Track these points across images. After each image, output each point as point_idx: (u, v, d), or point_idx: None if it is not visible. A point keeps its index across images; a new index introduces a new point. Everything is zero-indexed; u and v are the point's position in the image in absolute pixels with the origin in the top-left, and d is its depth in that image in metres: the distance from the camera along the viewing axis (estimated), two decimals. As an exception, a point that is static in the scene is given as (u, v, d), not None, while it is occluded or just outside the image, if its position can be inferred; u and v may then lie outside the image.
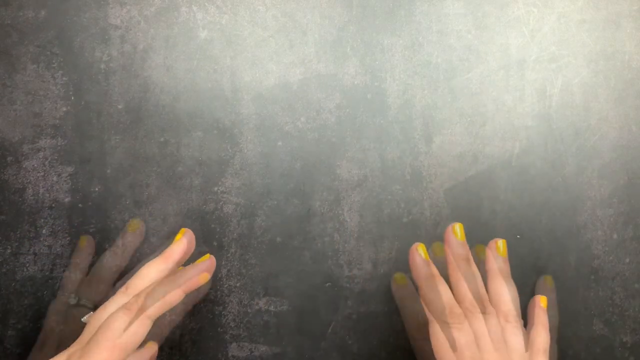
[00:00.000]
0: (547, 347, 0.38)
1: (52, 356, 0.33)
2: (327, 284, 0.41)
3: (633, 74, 0.43)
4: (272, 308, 0.41)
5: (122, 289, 0.35)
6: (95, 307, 0.37)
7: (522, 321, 0.38)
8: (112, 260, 0.39)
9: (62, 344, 0.35)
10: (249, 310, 0.41)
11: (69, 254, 0.40)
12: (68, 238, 0.40)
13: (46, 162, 0.40)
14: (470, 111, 0.42)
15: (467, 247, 0.39)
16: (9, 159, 0.40)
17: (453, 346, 0.36)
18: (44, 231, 0.40)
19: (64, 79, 0.41)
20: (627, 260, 0.42)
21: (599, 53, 0.43)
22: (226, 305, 0.41)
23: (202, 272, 0.36)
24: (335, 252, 0.41)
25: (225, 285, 0.41)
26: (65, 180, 0.40)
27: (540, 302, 0.39)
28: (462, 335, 0.36)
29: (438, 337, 0.36)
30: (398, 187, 0.41)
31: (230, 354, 0.40)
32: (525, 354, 0.36)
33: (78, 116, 0.41)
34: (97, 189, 0.40)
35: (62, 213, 0.40)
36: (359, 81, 0.42)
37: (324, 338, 0.41)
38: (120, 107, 0.41)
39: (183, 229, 0.39)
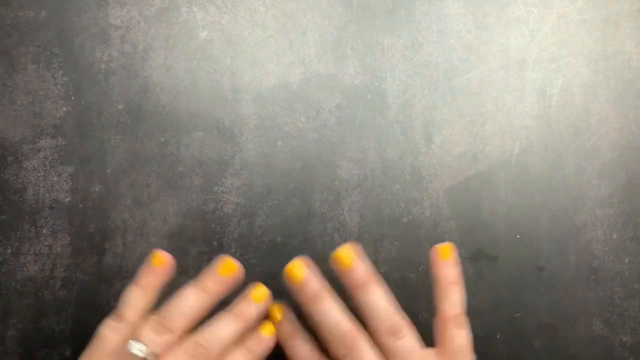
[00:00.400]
0: (459, 312, 0.34)
1: None
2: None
3: (633, 74, 0.43)
4: (272, 308, 0.41)
5: (194, 347, 0.31)
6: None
7: (403, 329, 0.33)
8: (196, 305, 0.32)
9: None
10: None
11: (69, 254, 0.40)
12: (68, 238, 0.40)
13: (46, 162, 0.41)
14: (470, 111, 0.42)
15: (317, 286, 0.34)
16: (9, 159, 0.40)
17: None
18: (44, 231, 0.40)
19: (64, 79, 0.41)
20: (627, 260, 0.42)
21: (599, 53, 0.43)
22: (226, 305, 0.41)
23: (270, 341, 0.34)
24: (335, 252, 0.41)
25: (225, 285, 0.41)
26: (65, 180, 0.40)
27: (439, 255, 0.34)
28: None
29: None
30: (398, 187, 0.41)
31: (230, 354, 0.40)
32: (420, 352, 0.33)
33: (78, 116, 0.41)
34: (97, 189, 0.40)
35: (62, 213, 0.40)
36: (359, 81, 0.42)
37: (324, 338, 0.41)
38: (120, 107, 0.41)
39: (261, 288, 0.34)
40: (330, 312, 0.32)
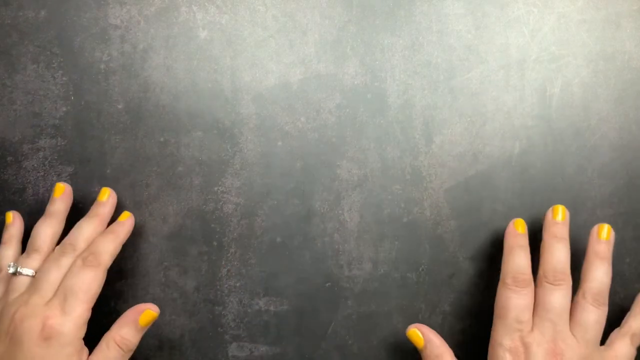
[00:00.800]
0: (639, 334, 0.38)
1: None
2: (327, 284, 0.41)
3: (633, 74, 0.43)
4: (272, 308, 0.41)
5: (63, 247, 0.36)
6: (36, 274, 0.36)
7: (604, 306, 0.37)
8: (45, 228, 0.38)
9: (3, 316, 0.34)
10: (249, 310, 0.41)
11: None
12: (68, 238, 0.40)
13: (46, 162, 0.40)
14: (470, 111, 0.42)
15: (566, 227, 0.39)
16: (9, 159, 0.40)
17: (504, 306, 0.36)
18: (44, 231, 0.40)
19: (64, 78, 0.41)
20: (627, 260, 0.42)
21: (599, 53, 0.43)
22: (226, 305, 0.41)
23: (128, 222, 0.39)
24: (335, 252, 0.41)
25: (225, 285, 0.41)
26: (65, 180, 0.40)
27: (600, 233, 0.39)
28: (514, 297, 0.36)
29: (497, 297, 0.37)
30: (398, 187, 0.41)
31: (230, 354, 0.40)
32: (592, 333, 0.36)
33: (78, 116, 0.41)
34: (97, 189, 0.40)
35: (62, 213, 0.40)
36: (359, 81, 0.42)
37: (324, 338, 0.41)
38: (120, 107, 0.41)
39: (106, 189, 0.39)
40: (560, 249, 0.37)
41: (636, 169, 0.42)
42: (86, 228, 0.37)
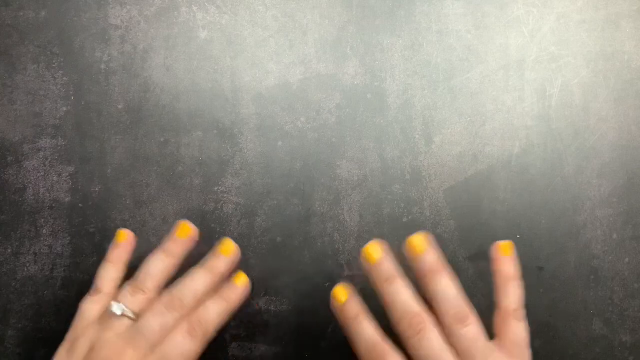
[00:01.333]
0: (518, 307, 0.35)
1: None
2: (327, 284, 0.41)
3: (633, 74, 0.43)
4: (272, 308, 0.41)
5: (171, 301, 0.34)
6: (136, 317, 0.34)
7: (471, 316, 0.33)
8: (161, 268, 0.36)
9: (95, 353, 0.33)
10: (249, 310, 0.41)
11: (69, 254, 0.40)
12: (68, 238, 0.40)
13: (46, 162, 0.41)
14: (470, 111, 0.42)
15: (391, 268, 0.35)
16: (10, 159, 0.40)
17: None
18: (44, 231, 0.40)
19: (64, 79, 0.41)
20: (627, 260, 0.42)
21: (599, 53, 0.43)
22: (226, 305, 0.41)
23: (244, 290, 0.37)
24: (335, 252, 0.41)
25: (226, 285, 0.41)
26: (65, 180, 0.40)
27: (500, 251, 0.36)
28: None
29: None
30: (398, 187, 0.41)
31: (230, 354, 0.40)
32: (478, 346, 0.33)
33: (78, 116, 0.41)
34: (97, 189, 0.40)
35: (62, 213, 0.40)
36: (359, 81, 0.42)
37: (324, 338, 0.41)
38: (120, 107, 0.41)
39: (231, 242, 0.37)
40: (402, 293, 0.34)
41: (636, 169, 0.42)
42: (199, 283, 0.35)
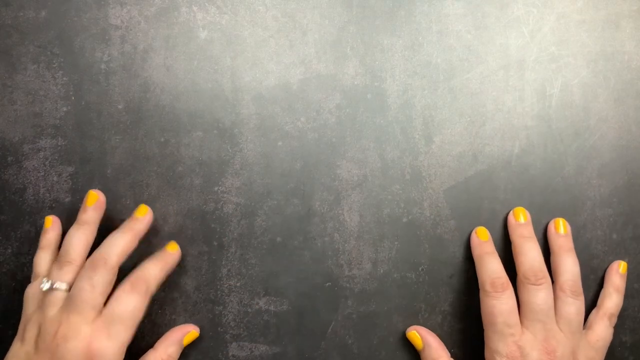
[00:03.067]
0: (616, 313, 0.40)
1: (32, 346, 0.34)
2: (327, 284, 0.41)
3: (633, 74, 0.43)
4: (272, 308, 0.41)
5: (94, 261, 0.35)
6: (70, 288, 0.36)
7: (581, 295, 0.38)
8: (78, 237, 0.37)
9: (43, 332, 0.34)
10: (249, 310, 0.41)
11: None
12: (68, 238, 0.40)
13: (46, 162, 0.41)
14: (470, 111, 0.42)
15: (530, 227, 0.40)
16: (10, 159, 0.40)
17: (491, 314, 0.37)
18: (44, 231, 0.40)
19: (64, 79, 0.41)
20: (627, 260, 0.42)
21: (599, 53, 0.43)
22: (226, 305, 0.41)
23: (177, 255, 0.40)
24: (335, 252, 0.41)
25: (225, 285, 0.41)
26: (65, 180, 0.40)
27: (619, 267, 0.41)
28: (497, 304, 0.37)
29: (481, 306, 0.38)
30: (398, 187, 0.41)
31: (230, 354, 0.40)
32: (576, 324, 0.37)
33: (78, 116, 0.41)
34: (97, 189, 0.40)
35: (62, 213, 0.40)
36: (359, 81, 0.42)
37: (324, 338, 0.41)
38: (120, 107, 0.41)
39: (144, 206, 0.39)
40: (533, 250, 0.39)
41: (636, 169, 0.42)
42: (119, 242, 0.37)
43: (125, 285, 0.35)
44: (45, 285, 0.36)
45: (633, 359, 0.42)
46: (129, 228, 0.38)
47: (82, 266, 0.37)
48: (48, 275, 0.36)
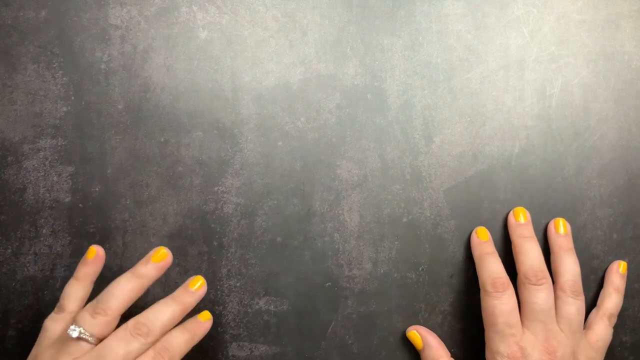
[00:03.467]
0: (615, 313, 0.40)
1: None
2: (327, 284, 0.41)
3: (633, 74, 0.43)
4: (272, 308, 0.41)
5: (137, 327, 0.33)
6: (97, 341, 0.33)
7: (581, 295, 0.38)
8: (128, 289, 0.34)
9: None
10: (249, 310, 0.41)
11: (69, 254, 0.40)
12: (68, 238, 0.40)
13: (46, 162, 0.41)
14: (470, 111, 0.42)
15: (530, 226, 0.41)
16: (9, 159, 0.40)
17: (492, 314, 0.37)
18: (44, 231, 0.40)
19: (64, 79, 0.41)
20: (627, 260, 0.42)
21: (599, 53, 0.43)
22: (226, 305, 0.41)
23: (207, 326, 0.37)
24: (335, 252, 0.41)
25: (225, 285, 0.41)
26: (65, 180, 0.40)
27: (619, 267, 0.41)
28: (498, 304, 0.37)
29: (482, 307, 0.38)
30: (398, 187, 0.41)
31: (230, 354, 0.40)
32: (576, 324, 0.37)
33: (78, 116, 0.41)
34: (97, 189, 0.40)
35: (62, 213, 0.40)
36: (359, 81, 0.42)
37: (324, 338, 0.41)
38: (120, 107, 0.41)
39: (199, 278, 0.37)
40: (534, 250, 0.39)
41: (636, 169, 0.42)
42: (166, 314, 0.34)
43: (149, 353, 0.33)
44: (74, 333, 0.32)
45: (633, 359, 0.42)
46: (181, 301, 0.35)
47: (116, 320, 0.34)
48: (77, 320, 0.33)
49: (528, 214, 0.41)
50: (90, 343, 0.33)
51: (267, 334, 0.41)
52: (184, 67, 0.41)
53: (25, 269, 0.40)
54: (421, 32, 0.42)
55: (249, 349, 0.41)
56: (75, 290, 0.36)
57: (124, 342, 0.32)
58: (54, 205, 0.40)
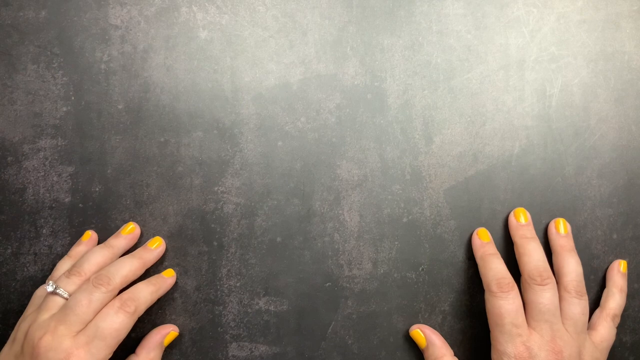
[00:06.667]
0: (619, 313, 0.40)
1: (19, 348, 0.34)
2: (327, 284, 0.41)
3: (633, 74, 0.43)
4: (272, 308, 0.41)
5: (98, 278, 0.36)
6: None
7: (585, 295, 0.38)
8: (99, 255, 0.38)
9: (29, 335, 0.34)
10: (249, 310, 0.41)
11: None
12: (68, 238, 0.40)
13: (46, 162, 0.41)
14: (470, 111, 0.42)
15: (532, 227, 0.41)
16: (9, 159, 0.40)
17: (498, 314, 0.37)
18: (44, 231, 0.40)
19: (64, 79, 0.41)
20: (627, 260, 0.42)
21: (599, 53, 0.43)
22: (226, 305, 0.41)
23: (171, 281, 0.40)
24: (335, 252, 0.41)
25: (225, 285, 0.41)
26: (65, 180, 0.40)
27: (620, 266, 0.41)
28: (504, 304, 0.37)
29: (488, 308, 0.38)
30: (398, 187, 0.41)
31: (230, 354, 0.40)
32: (581, 324, 0.37)
33: (78, 116, 0.41)
34: (97, 189, 0.40)
35: (62, 213, 0.40)
36: (359, 81, 0.42)
37: (324, 338, 0.41)
38: (120, 107, 0.41)
39: (159, 238, 0.40)
40: (537, 250, 0.39)
41: (636, 169, 0.42)
42: (126, 266, 0.37)
43: (114, 303, 0.35)
44: (49, 288, 0.36)
45: (633, 359, 0.42)
46: (139, 256, 0.39)
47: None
48: (56, 280, 0.37)
49: (528, 215, 0.41)
50: (65, 298, 0.36)
51: (267, 334, 0.41)
52: (184, 67, 0.41)
53: (25, 269, 0.40)
54: (421, 32, 0.42)
55: (249, 349, 0.40)
56: (64, 265, 0.39)
57: (87, 292, 0.35)
58: (54, 205, 0.40)
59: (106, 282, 0.36)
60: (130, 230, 0.40)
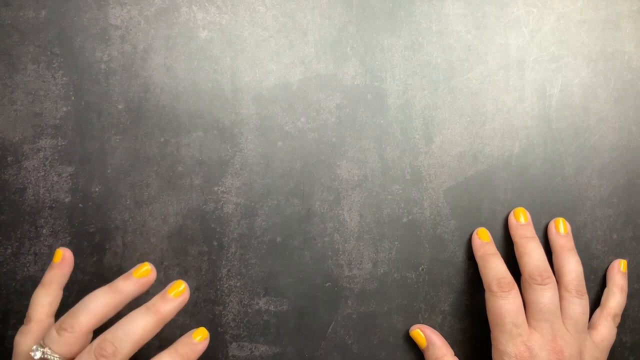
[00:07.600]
0: (619, 312, 0.40)
1: None
2: (327, 284, 0.41)
3: (633, 74, 0.43)
4: (272, 308, 0.41)
5: (102, 347, 0.29)
6: None
7: (585, 294, 0.38)
8: (100, 303, 0.30)
9: None
10: (249, 310, 0.41)
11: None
12: (68, 238, 0.40)
13: (46, 162, 0.41)
14: (470, 111, 0.42)
15: (532, 227, 0.41)
16: (9, 159, 0.40)
17: (498, 314, 0.37)
18: (44, 231, 0.40)
19: (64, 79, 0.41)
20: (627, 259, 0.42)
21: (599, 53, 0.43)
22: (226, 305, 0.41)
23: (203, 347, 0.34)
24: (335, 252, 0.41)
25: (225, 285, 0.41)
26: (65, 180, 0.40)
27: (620, 265, 0.41)
28: (505, 303, 0.37)
29: (488, 307, 0.38)
30: (398, 187, 0.41)
31: (230, 354, 0.40)
32: (581, 324, 0.37)
33: (78, 116, 0.41)
34: (97, 189, 0.40)
35: (62, 213, 0.40)
36: (359, 81, 0.42)
37: (324, 338, 0.41)
38: (120, 107, 0.41)
39: (180, 283, 0.33)
40: (537, 250, 0.39)
41: (636, 169, 0.42)
42: (138, 328, 0.30)
43: None
44: (37, 354, 0.30)
45: (633, 359, 0.42)
46: (156, 310, 0.31)
47: (85, 337, 0.30)
48: (44, 338, 0.30)
49: (528, 214, 0.41)
50: None
51: (267, 334, 0.41)
52: (184, 67, 0.41)
53: (25, 269, 0.40)
54: (421, 32, 0.42)
55: (249, 349, 0.41)
56: (41, 297, 0.33)
57: None
58: (54, 205, 0.40)
59: (112, 352, 0.29)
60: (144, 273, 0.33)
